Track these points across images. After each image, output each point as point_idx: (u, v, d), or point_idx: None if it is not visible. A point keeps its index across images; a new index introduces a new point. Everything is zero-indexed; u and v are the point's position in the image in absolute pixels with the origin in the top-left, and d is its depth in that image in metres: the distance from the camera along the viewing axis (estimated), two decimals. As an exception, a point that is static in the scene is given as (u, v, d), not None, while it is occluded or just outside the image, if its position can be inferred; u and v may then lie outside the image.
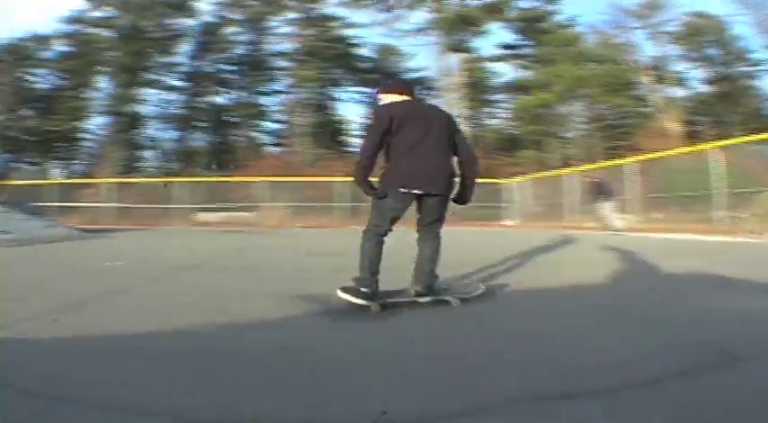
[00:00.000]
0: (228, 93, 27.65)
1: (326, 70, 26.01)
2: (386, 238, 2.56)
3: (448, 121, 2.63)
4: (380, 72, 26.40)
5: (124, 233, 10.84)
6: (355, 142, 25.71)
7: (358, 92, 27.94)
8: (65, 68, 25.15)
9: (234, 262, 5.31)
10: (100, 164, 23.39)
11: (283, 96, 27.32)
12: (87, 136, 26.38)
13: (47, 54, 25.55)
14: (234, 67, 27.45)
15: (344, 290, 2.48)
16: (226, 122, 27.05)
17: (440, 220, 2.65)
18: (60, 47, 25.66)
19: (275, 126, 28.03)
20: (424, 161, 2.46)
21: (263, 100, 27.92)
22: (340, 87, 27.87)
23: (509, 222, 16.58)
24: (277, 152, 25.93)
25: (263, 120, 27.97)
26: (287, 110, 26.58)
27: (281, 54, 26.96)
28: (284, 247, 7.64)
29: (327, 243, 8.17)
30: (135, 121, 25.81)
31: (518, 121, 26.49)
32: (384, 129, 2.43)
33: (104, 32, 25.27)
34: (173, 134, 26.84)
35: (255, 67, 26.93)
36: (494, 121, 28.15)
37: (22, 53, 24.69)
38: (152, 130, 26.86)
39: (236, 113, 27.17)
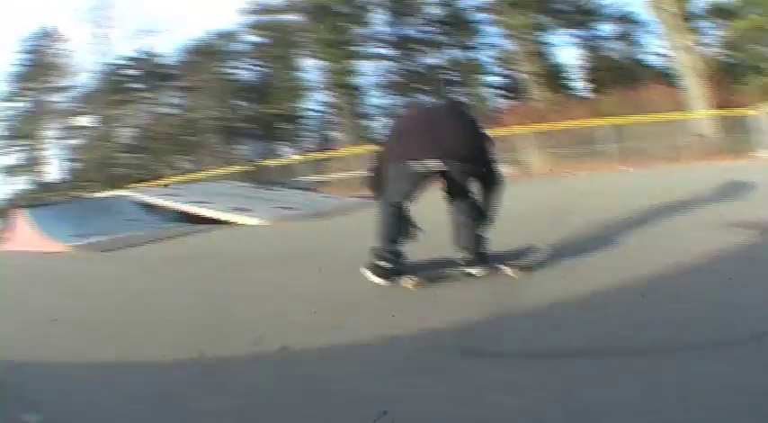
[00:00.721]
0: (439, 53, 26.44)
1: (533, 16, 23.84)
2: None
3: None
4: (583, 11, 24.69)
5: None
6: (580, 86, 24.62)
7: (568, 34, 25.74)
8: (265, 56, 26.02)
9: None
10: (334, 137, 23.97)
11: (494, 49, 26.00)
12: (310, 114, 27.11)
13: (240, 47, 26.59)
14: (435, 28, 26.11)
15: (368, 267, 2.40)
16: (446, 82, 25.83)
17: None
18: (253, 38, 26.43)
19: (495, 79, 26.62)
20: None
21: (475, 55, 26.26)
22: (549, 32, 25.55)
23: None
24: (514, 103, 24.03)
25: (483, 74, 26.45)
26: (508, 60, 25.19)
27: (478, 8, 25.41)
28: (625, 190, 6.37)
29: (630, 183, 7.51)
30: (355, 92, 25.73)
31: (731, 49, 23.23)
32: None
33: (291, 17, 25.42)
34: (394, 101, 26.05)
35: (456, 24, 25.58)
36: (706, 49, 23.41)
37: (214, 50, 25.88)
38: (374, 99, 26.50)
39: (454, 72, 26.05)
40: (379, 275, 2.37)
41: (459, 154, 2.40)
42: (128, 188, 13.09)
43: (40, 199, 23.55)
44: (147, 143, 25.94)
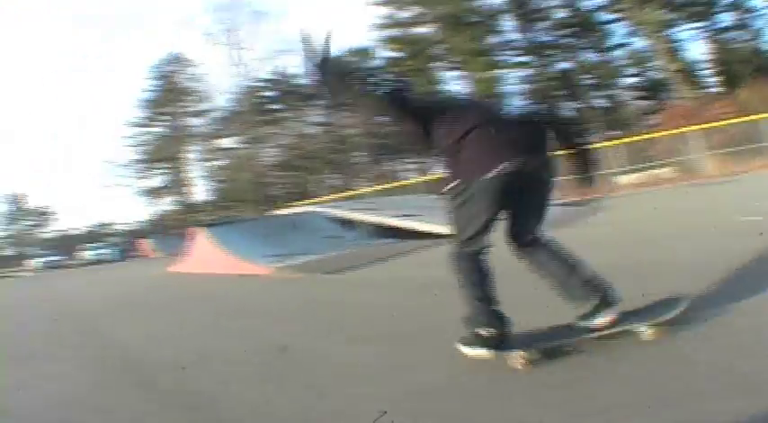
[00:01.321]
0: (573, 56, 25.83)
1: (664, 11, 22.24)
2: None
3: None
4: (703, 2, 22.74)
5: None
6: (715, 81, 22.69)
7: (693, 29, 23.77)
8: (402, 71, 25.90)
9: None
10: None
11: (627, 49, 24.90)
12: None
13: (373, 63, 27.63)
14: (564, 32, 25.51)
15: (464, 341, 1.83)
16: (584, 86, 25.30)
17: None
18: (388, 53, 27.52)
19: (633, 80, 25.48)
20: None
21: (609, 57, 25.42)
22: (677, 27, 23.63)
23: None
24: (661, 103, 22.72)
25: (619, 76, 25.49)
26: (643, 60, 24.21)
27: (604, 7, 24.32)
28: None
29: None
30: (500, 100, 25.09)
31: None
32: None
33: (423, 29, 26.09)
34: (537, 108, 27.51)
35: (585, 26, 24.79)
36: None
37: (348, 67, 27.72)
38: (517, 107, 27.94)
39: (589, 75, 25.35)
40: (483, 345, 1.75)
41: (533, 146, 1.79)
42: (284, 206, 13.64)
43: (187, 220, 27.01)
44: (295, 162, 27.13)
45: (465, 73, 24.99)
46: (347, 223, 7.73)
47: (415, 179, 20.72)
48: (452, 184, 1.79)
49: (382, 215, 7.44)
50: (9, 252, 25.23)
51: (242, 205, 25.54)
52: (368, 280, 4.19)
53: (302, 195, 22.58)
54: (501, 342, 1.75)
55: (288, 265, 5.32)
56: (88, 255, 20.58)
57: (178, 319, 3.69)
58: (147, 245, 19.76)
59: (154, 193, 30.41)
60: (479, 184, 1.71)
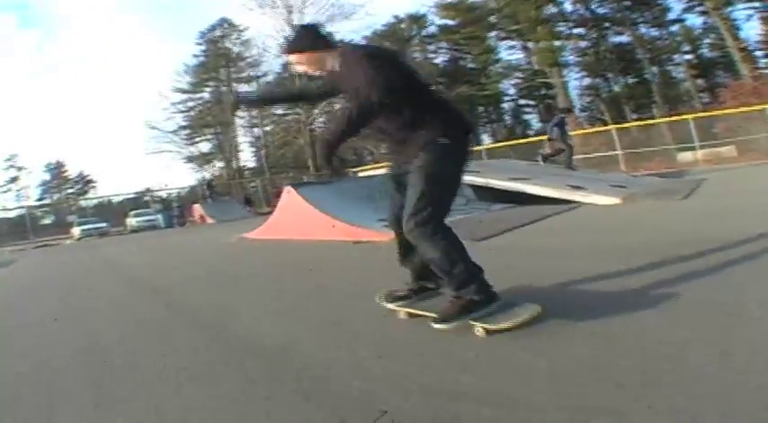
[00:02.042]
0: (630, 31, 24.86)
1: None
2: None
3: None
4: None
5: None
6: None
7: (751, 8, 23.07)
8: (456, 39, 26.34)
9: None
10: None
11: (685, 26, 24.35)
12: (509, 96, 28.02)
13: (429, 30, 27.57)
14: (621, 4, 24.32)
15: (444, 318, 1.75)
16: (640, 60, 24.71)
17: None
18: (442, 21, 27.22)
19: (690, 57, 25.07)
20: None
21: (666, 32, 24.82)
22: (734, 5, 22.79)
23: None
24: (727, 82, 21.50)
25: (677, 52, 25.01)
26: (702, 36, 23.90)
27: None
28: None
29: None
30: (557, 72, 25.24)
31: None
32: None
33: None
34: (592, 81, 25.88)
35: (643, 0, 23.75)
36: None
37: (402, 34, 27.32)
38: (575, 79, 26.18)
39: (647, 49, 24.59)
40: (481, 308, 1.74)
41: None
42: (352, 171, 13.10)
43: (239, 185, 26.96)
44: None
45: (523, 42, 24.50)
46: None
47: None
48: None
49: (490, 178, 7.04)
50: (48, 220, 25.23)
51: (294, 171, 25.48)
52: (529, 247, 3.59)
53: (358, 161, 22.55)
54: (491, 299, 1.78)
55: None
56: (135, 221, 20.41)
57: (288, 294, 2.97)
58: (197, 211, 19.68)
59: (201, 159, 30.44)
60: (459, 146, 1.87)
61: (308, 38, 1.96)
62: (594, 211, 5.27)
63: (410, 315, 2.00)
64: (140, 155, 57.90)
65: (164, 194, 24.51)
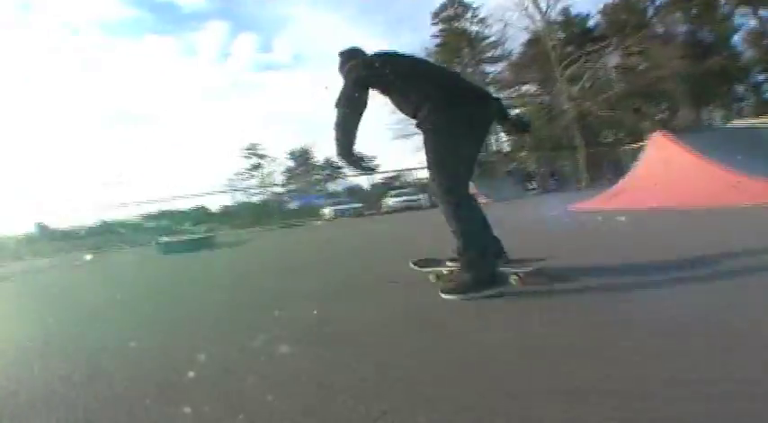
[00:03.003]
0: None
1: None
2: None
3: None
4: None
5: None
6: None
7: None
8: (687, 8, 24.75)
9: None
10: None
11: None
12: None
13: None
14: None
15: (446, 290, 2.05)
16: None
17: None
18: None
19: None
20: None
21: None
22: None
23: None
24: None
25: None
26: None
27: None
28: None
29: None
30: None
31: None
32: None
33: None
34: None
35: None
36: None
37: (636, 6, 26.42)
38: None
39: None
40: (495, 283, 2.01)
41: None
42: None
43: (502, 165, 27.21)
44: (608, 104, 25.32)
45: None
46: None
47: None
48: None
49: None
50: (294, 206, 28.33)
51: (555, 151, 25.10)
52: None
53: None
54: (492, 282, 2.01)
55: None
56: (393, 201, 21.72)
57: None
58: (471, 188, 19.99)
59: None
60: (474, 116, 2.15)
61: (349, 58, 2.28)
62: None
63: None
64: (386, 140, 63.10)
65: (416, 176, 25.13)
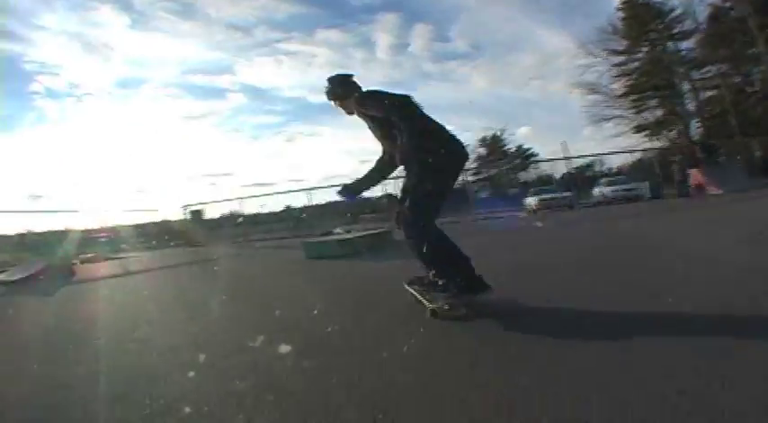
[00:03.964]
0: None
1: None
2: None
3: None
4: None
5: None
6: None
7: None
8: None
9: None
10: None
11: None
12: None
13: None
14: None
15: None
16: None
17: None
18: None
19: None
20: None
21: None
22: None
23: None
24: None
25: None
26: None
27: None
28: None
29: None
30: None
31: None
32: None
33: None
34: None
35: None
36: None
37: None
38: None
39: None
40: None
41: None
42: None
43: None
44: None
45: None
46: None
47: None
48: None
49: None
50: (484, 194, 27.44)
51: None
52: None
53: None
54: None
55: None
56: (606, 190, 18.51)
57: None
58: (696, 177, 15.88)
59: (654, 127, 26.77)
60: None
61: (344, 87, 2.55)
62: None
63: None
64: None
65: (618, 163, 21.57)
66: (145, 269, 7.20)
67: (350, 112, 2.55)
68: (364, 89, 2.50)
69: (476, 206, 22.08)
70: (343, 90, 2.54)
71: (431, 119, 2.31)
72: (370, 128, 2.52)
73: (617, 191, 18.00)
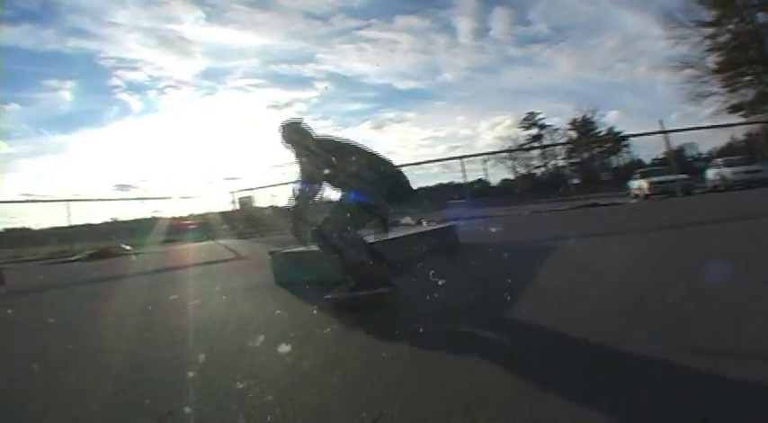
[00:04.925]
0: None
1: None
2: None
3: None
4: None
5: None
6: None
7: None
8: None
9: None
10: None
11: None
12: None
13: None
14: None
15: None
16: None
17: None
18: None
19: None
20: None
21: None
22: None
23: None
24: None
25: None
26: None
27: None
28: None
29: None
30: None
31: None
32: None
33: None
34: None
35: None
36: None
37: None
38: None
39: None
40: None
41: None
42: None
43: None
44: None
45: None
46: None
47: None
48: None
49: None
50: (576, 180, 26.02)
51: None
52: None
53: None
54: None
55: None
56: (731, 173, 16.32)
57: None
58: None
59: (750, 106, 24.65)
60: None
61: (293, 133, 2.79)
62: None
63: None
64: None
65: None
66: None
67: (298, 155, 2.77)
68: (315, 134, 2.82)
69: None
70: (300, 135, 2.78)
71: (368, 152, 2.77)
72: (301, 162, 2.75)
73: (739, 173, 15.95)
